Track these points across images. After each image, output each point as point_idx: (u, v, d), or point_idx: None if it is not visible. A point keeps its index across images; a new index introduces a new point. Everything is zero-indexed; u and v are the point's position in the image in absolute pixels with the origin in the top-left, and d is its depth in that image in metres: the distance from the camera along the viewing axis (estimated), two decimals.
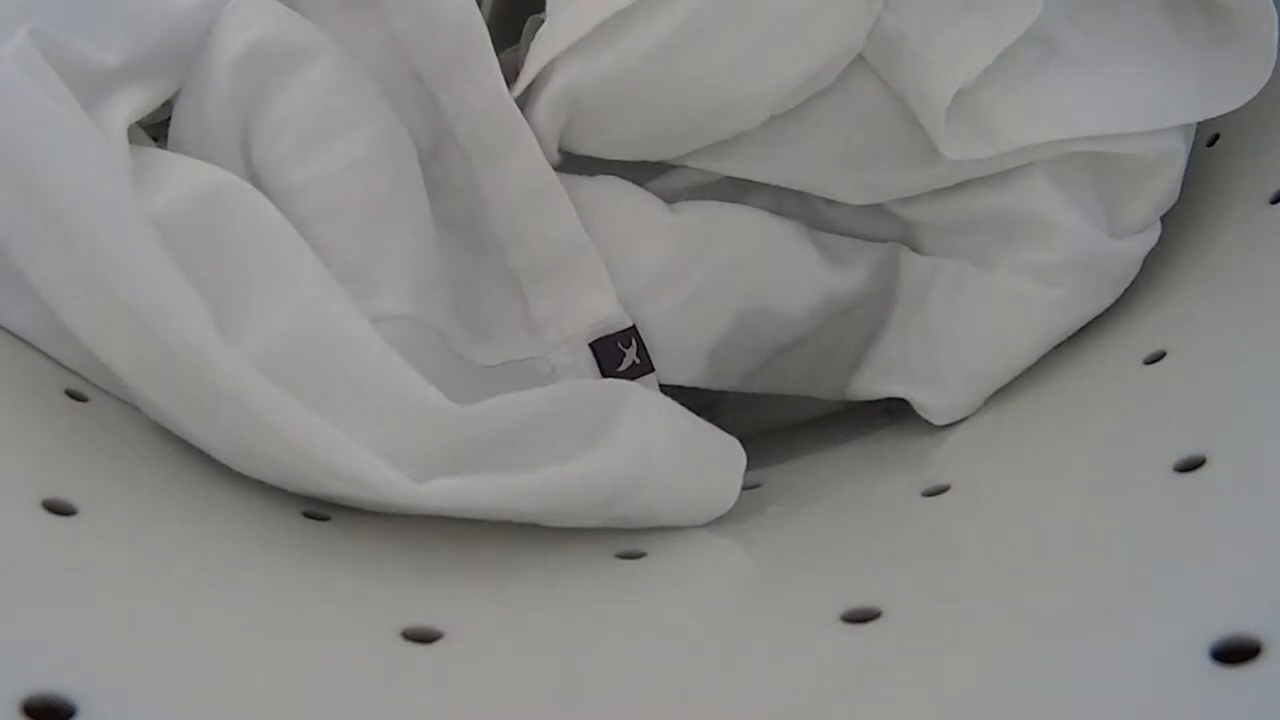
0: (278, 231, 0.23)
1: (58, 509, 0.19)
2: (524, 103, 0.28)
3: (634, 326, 0.29)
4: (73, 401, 0.23)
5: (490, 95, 0.27)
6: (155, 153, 0.24)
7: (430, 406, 0.22)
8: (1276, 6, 0.27)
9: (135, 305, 0.20)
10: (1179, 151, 0.28)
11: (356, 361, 0.22)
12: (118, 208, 0.21)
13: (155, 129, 0.27)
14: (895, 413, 0.31)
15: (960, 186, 0.28)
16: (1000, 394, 0.28)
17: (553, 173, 0.28)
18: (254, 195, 0.24)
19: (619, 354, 0.28)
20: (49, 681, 0.15)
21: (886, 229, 0.30)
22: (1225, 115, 0.28)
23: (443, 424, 0.22)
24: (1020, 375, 0.28)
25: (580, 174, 0.29)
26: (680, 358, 0.29)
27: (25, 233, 0.21)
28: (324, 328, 0.23)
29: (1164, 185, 0.28)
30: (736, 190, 0.30)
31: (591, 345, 0.28)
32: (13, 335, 0.23)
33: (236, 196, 0.23)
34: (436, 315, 0.26)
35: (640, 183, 0.30)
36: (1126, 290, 0.28)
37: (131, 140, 0.24)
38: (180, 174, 0.23)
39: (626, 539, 0.25)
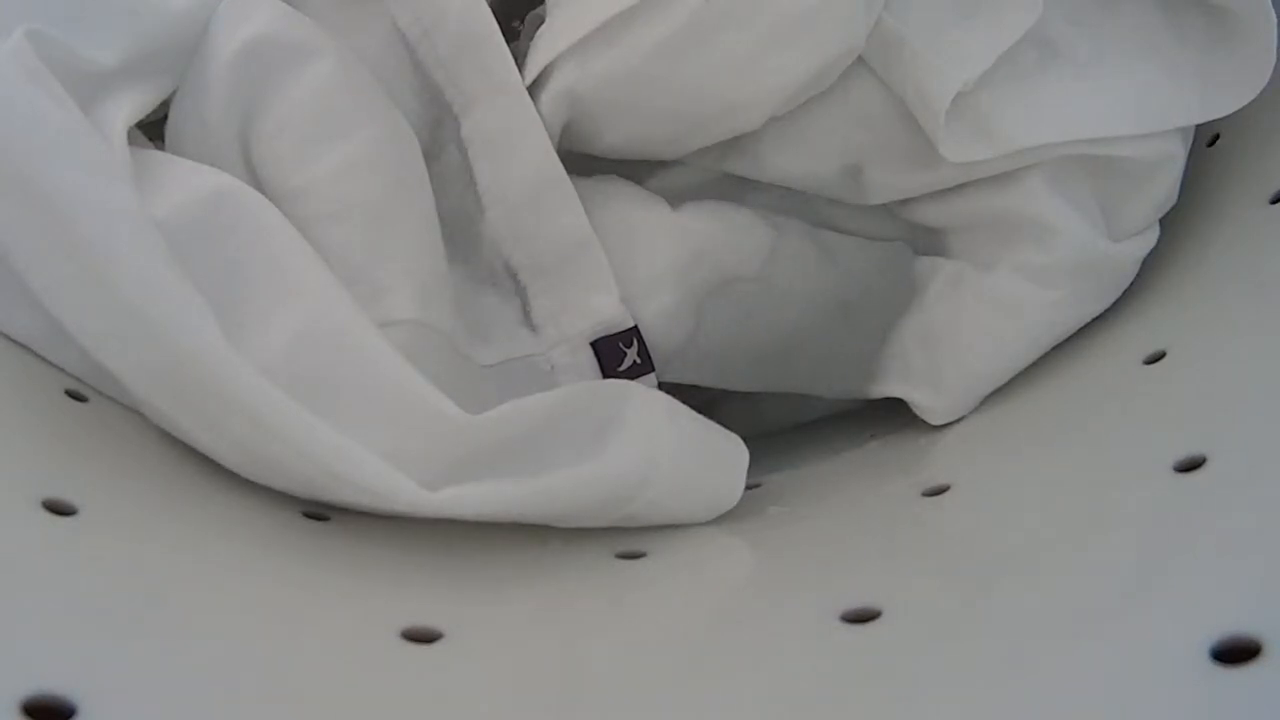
0: (283, 236, 0.23)
1: (58, 509, 0.19)
2: None
3: (636, 327, 0.28)
4: (73, 402, 0.22)
5: (502, 85, 0.27)
6: (156, 155, 0.24)
7: (441, 415, 0.22)
8: (1276, 8, 0.27)
9: (140, 312, 0.20)
10: (1178, 154, 0.28)
11: (365, 369, 0.22)
12: (120, 212, 0.21)
13: (150, 128, 0.27)
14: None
15: (960, 188, 0.28)
16: (1000, 394, 0.28)
17: (562, 167, 0.28)
18: (258, 199, 0.24)
19: (620, 354, 0.28)
20: (49, 681, 0.15)
21: (886, 229, 0.30)
22: (1225, 115, 0.28)
23: (454, 433, 0.22)
24: (1020, 375, 0.28)
25: (580, 172, 0.29)
26: (681, 357, 0.29)
27: (26, 238, 0.21)
28: (332, 334, 0.22)
29: (1163, 187, 0.28)
30: (737, 189, 0.30)
31: (593, 345, 0.28)
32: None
33: (240, 201, 0.23)
34: (442, 317, 0.26)
35: (640, 181, 0.30)
36: (1126, 290, 0.28)
37: (130, 142, 0.23)
38: (182, 177, 0.23)
39: (627, 539, 0.25)
